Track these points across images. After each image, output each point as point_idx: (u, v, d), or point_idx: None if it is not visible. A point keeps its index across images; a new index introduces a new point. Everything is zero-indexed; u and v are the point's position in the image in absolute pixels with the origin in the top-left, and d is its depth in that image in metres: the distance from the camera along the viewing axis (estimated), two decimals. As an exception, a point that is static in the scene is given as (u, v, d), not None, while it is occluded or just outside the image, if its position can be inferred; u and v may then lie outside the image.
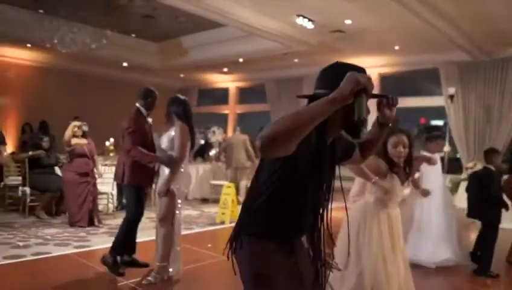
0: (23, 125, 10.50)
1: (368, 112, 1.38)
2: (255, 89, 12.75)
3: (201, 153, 9.84)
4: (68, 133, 5.51)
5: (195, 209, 7.57)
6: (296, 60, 10.31)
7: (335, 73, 1.56)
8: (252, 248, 1.54)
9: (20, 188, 6.15)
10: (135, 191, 3.81)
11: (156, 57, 11.16)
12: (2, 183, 6.47)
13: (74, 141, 5.70)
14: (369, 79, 1.33)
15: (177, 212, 3.69)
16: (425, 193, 4.35)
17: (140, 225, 3.95)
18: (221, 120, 13.04)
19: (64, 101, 10.74)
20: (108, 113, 9.69)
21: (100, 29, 8.23)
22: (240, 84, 13.31)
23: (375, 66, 9.94)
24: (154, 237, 3.84)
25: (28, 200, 6.06)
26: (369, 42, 8.37)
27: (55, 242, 4.88)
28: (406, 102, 9.40)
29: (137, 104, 3.92)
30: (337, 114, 1.40)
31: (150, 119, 3.96)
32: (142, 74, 11.74)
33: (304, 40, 8.44)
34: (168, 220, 3.64)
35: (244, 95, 13.36)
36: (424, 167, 4.55)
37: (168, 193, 3.58)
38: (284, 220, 1.55)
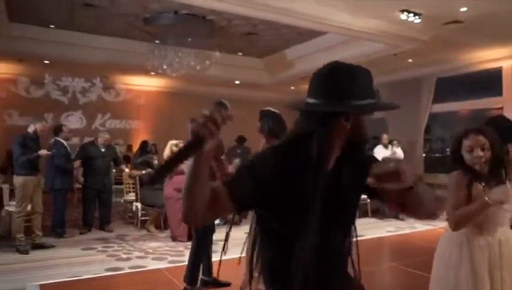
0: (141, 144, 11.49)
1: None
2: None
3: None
4: (166, 151, 5.83)
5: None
6: (410, 60, 9.36)
7: (329, 77, 1.23)
8: None
9: (134, 203, 6.73)
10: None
11: (263, 73, 11.34)
12: (123, 198, 7.20)
13: (173, 159, 6.01)
14: (207, 120, 1.01)
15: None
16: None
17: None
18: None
19: (186, 121, 11.62)
20: (226, 130, 10.15)
21: (204, 51, 8.69)
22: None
23: (505, 58, 8.44)
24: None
25: (140, 214, 6.59)
26: (493, 30, 7.12)
27: (154, 256, 5.17)
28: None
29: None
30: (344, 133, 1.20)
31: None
32: (253, 90, 12.06)
33: (413, 37, 7.60)
34: None
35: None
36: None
37: None
38: None
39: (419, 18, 6.70)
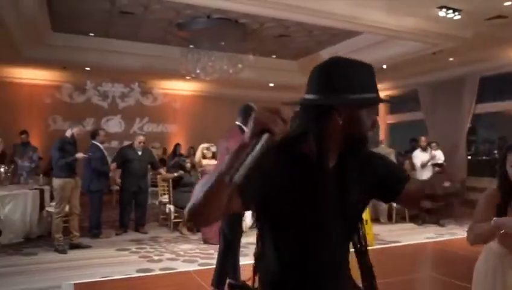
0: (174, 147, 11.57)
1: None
2: (407, 96, 11.59)
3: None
4: (198, 155, 5.89)
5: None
6: (451, 59, 8.96)
7: (328, 71, 1.18)
8: None
9: (167, 205, 6.84)
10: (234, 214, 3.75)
11: (297, 74, 11.23)
12: (157, 200, 7.34)
13: (204, 161, 6.07)
14: (275, 111, 0.91)
15: None
16: None
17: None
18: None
19: (221, 124, 11.72)
20: None
21: (236, 55, 8.73)
22: (389, 92, 12.31)
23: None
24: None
25: (172, 216, 6.68)
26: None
27: (184, 258, 5.21)
28: None
29: (237, 122, 3.85)
30: (337, 128, 1.14)
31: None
32: (287, 92, 11.95)
33: (453, 34, 7.28)
34: None
35: (395, 104, 12.29)
36: None
37: None
38: None
39: (458, 14, 6.40)
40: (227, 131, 3.92)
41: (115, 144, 10.85)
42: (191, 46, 9.12)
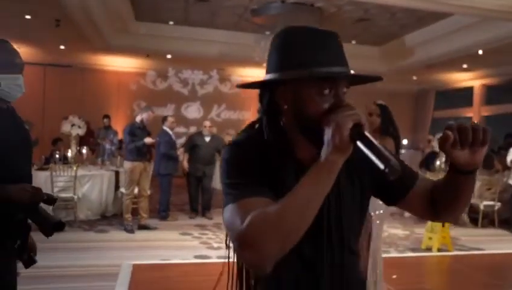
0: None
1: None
2: (505, 85, 10.28)
3: (427, 164, 8.58)
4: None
5: (404, 228, 6.62)
6: (563, 43, 7.71)
7: (282, 46, 0.99)
8: None
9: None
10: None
11: (379, 61, 10.54)
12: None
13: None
14: (346, 107, 0.87)
15: (375, 238, 3.19)
16: None
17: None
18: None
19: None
20: None
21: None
22: (487, 81, 11.02)
23: None
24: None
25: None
26: None
27: (243, 248, 5.15)
28: None
29: None
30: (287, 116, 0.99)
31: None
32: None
33: None
34: (363, 249, 3.20)
35: (493, 94, 10.97)
36: None
37: None
38: None
39: None
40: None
41: (193, 129, 11.20)
42: (267, 32, 8.98)
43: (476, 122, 0.89)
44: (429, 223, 5.58)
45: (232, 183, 0.94)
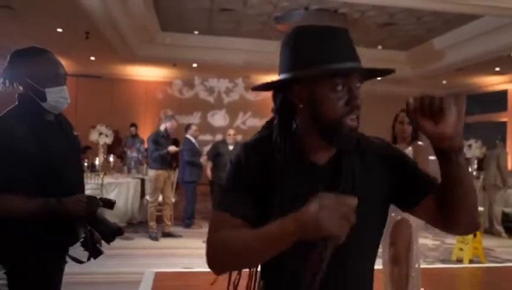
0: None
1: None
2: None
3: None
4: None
5: (434, 238, 6.39)
6: None
7: (293, 46, 0.99)
8: None
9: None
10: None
11: (406, 66, 10.32)
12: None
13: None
14: (343, 205, 0.77)
15: (414, 247, 3.11)
16: None
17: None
18: (497, 130, 10.67)
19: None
20: (371, 125, 9.68)
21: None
22: (519, 85, 10.59)
23: None
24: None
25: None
26: None
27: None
28: None
29: None
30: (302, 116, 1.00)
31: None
32: (394, 85, 11.11)
33: None
34: (402, 258, 3.09)
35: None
36: None
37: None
38: None
39: None
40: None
41: (219, 137, 11.27)
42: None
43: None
44: (459, 233, 5.37)
45: (225, 187, 1.03)
